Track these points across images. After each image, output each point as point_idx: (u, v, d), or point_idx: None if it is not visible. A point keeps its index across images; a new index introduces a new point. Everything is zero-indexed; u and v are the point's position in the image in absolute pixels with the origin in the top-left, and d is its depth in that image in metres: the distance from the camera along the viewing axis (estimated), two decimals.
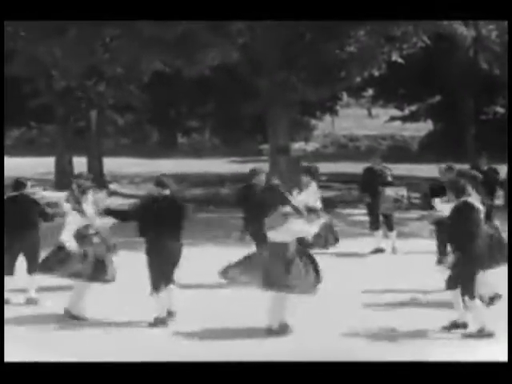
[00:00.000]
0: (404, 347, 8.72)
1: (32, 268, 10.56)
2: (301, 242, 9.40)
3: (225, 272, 9.43)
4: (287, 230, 9.11)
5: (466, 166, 16.00)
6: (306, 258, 9.27)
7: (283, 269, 9.03)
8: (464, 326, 9.18)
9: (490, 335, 8.87)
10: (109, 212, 10.02)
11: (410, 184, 18.37)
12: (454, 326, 9.20)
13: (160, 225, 9.40)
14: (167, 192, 9.67)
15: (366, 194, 14.30)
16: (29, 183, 11.04)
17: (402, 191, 14.11)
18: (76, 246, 9.75)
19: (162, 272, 9.45)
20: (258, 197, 11.13)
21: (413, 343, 8.89)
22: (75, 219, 9.88)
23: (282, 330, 9.13)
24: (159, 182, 9.81)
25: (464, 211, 9.08)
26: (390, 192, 13.90)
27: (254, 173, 11.85)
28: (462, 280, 9.05)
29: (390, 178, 14.29)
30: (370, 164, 14.75)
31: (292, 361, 7.76)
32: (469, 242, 8.97)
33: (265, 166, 20.45)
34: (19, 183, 10.87)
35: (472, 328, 9.07)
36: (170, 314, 9.62)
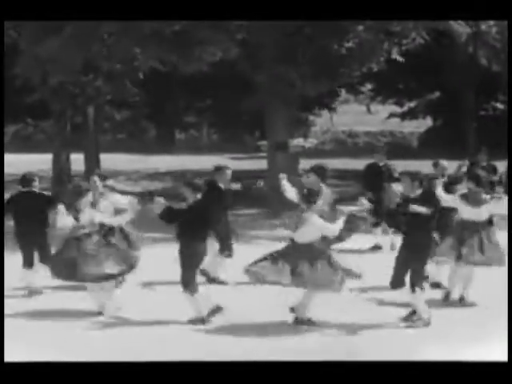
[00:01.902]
0: (402, 346, 8.72)
1: (44, 260, 10.73)
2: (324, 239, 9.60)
3: (250, 272, 9.51)
4: (310, 231, 9.34)
5: (465, 161, 15.96)
6: (331, 256, 9.45)
7: (311, 267, 9.23)
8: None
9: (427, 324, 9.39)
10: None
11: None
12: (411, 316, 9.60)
13: (192, 226, 9.50)
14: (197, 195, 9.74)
15: (369, 190, 14.23)
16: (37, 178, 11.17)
17: None
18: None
19: (195, 272, 9.61)
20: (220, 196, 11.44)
21: (411, 341, 8.89)
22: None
23: (310, 322, 9.42)
24: (190, 184, 9.81)
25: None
26: (398, 187, 13.83)
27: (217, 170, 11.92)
28: (413, 271, 9.46)
29: (396, 174, 14.27)
30: (373, 160, 14.74)
31: (290, 360, 7.74)
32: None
33: (263, 163, 20.53)
34: (28, 179, 10.93)
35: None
36: (218, 309, 9.68)
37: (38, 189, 11.07)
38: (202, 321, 9.50)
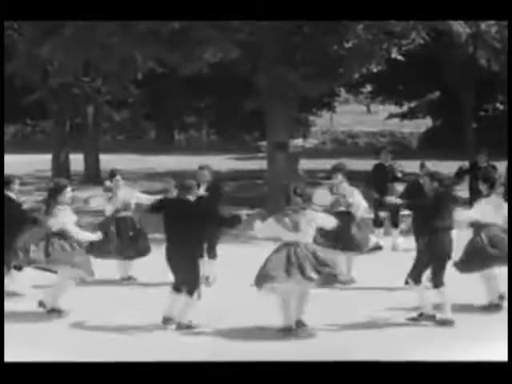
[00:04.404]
0: (403, 346, 8.71)
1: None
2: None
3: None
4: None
5: (465, 163, 16.00)
6: (312, 257, 9.24)
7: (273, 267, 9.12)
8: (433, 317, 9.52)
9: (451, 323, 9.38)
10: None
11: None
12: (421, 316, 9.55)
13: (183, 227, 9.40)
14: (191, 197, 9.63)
15: (374, 191, 14.23)
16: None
17: None
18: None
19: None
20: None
21: (411, 341, 8.89)
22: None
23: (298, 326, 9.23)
24: (185, 186, 9.69)
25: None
26: (400, 187, 13.86)
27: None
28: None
29: (399, 174, 14.31)
30: (379, 161, 14.78)
31: (290, 360, 7.74)
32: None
33: (263, 163, 20.52)
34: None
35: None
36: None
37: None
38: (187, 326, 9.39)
